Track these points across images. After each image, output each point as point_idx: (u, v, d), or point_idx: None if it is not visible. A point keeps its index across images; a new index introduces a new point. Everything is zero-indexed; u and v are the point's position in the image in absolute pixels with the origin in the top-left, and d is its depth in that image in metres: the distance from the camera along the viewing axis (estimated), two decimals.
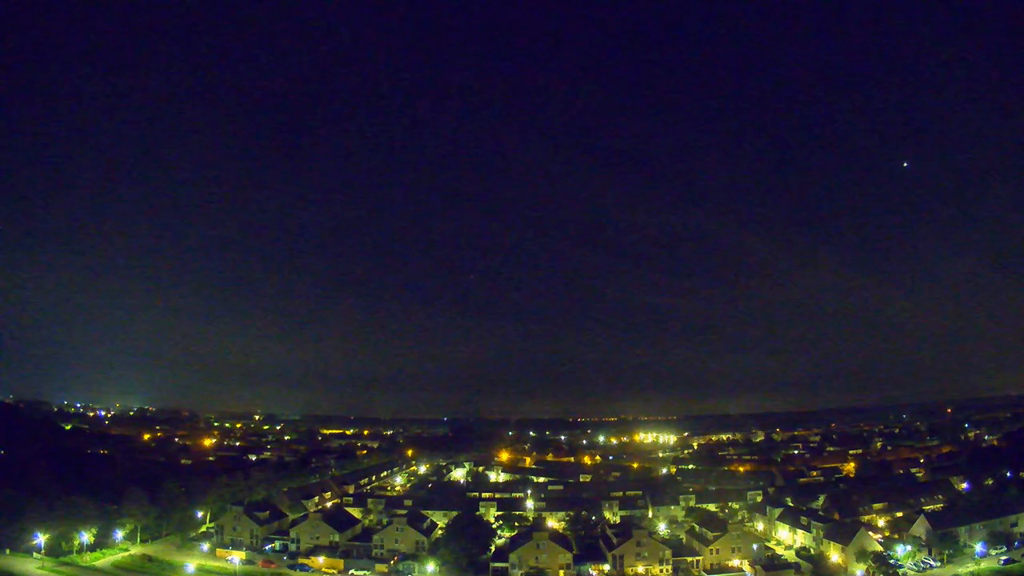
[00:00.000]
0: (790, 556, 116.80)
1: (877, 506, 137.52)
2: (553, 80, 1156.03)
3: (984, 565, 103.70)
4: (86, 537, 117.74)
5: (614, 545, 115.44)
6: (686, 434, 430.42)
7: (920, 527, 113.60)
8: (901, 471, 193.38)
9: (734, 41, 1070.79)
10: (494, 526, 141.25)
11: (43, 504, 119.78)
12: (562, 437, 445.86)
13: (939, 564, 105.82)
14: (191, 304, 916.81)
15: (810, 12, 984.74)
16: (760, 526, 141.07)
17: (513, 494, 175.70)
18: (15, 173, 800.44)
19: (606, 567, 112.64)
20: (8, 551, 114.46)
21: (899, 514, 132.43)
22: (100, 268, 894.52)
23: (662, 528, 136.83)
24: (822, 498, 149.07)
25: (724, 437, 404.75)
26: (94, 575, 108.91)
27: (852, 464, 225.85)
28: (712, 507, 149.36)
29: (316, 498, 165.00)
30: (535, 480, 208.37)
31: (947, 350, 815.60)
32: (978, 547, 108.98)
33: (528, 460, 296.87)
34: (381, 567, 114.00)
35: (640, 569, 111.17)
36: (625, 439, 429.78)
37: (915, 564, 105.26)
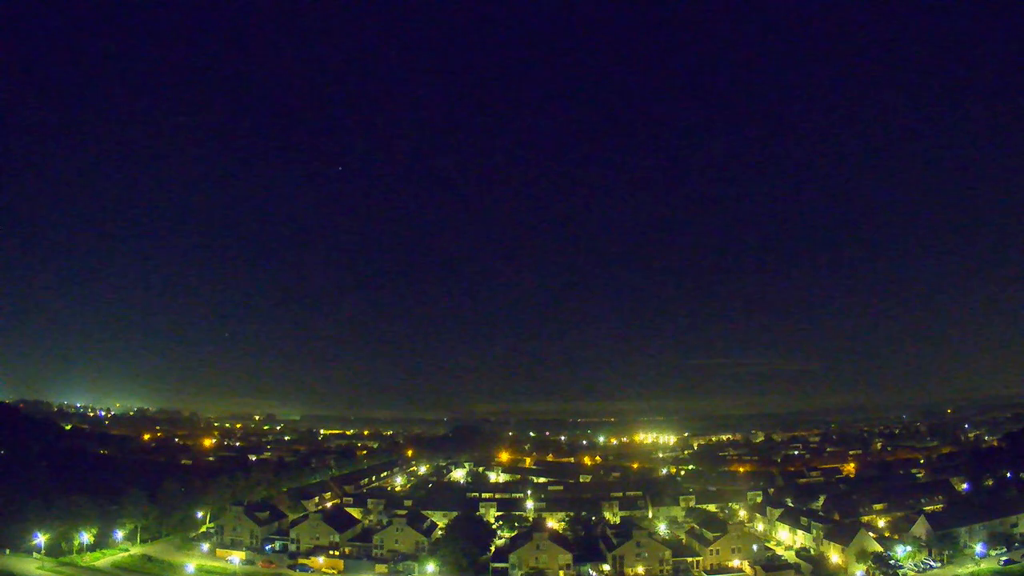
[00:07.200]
0: (790, 557, 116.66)
1: (877, 506, 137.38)
2: (551, 82, 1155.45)
3: (984, 566, 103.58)
4: (86, 537, 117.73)
5: (614, 545, 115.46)
6: (686, 434, 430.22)
7: (920, 528, 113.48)
8: (901, 471, 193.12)
9: (731, 42, 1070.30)
10: (494, 526, 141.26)
11: (43, 504, 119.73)
12: (562, 437, 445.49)
13: (939, 565, 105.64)
14: (191, 305, 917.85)
15: (802, 14, 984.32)
16: (760, 527, 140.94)
17: (513, 494, 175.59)
18: (16, 174, 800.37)
19: (606, 567, 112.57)
20: (8, 551, 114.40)
21: (899, 514, 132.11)
22: (100, 268, 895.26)
23: (662, 529, 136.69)
24: (822, 499, 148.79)
25: (724, 437, 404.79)
26: (94, 575, 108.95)
27: (852, 464, 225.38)
28: (712, 507, 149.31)
29: (316, 498, 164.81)
30: (535, 480, 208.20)
31: (947, 350, 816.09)
32: (978, 548, 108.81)
33: (528, 460, 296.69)
34: (381, 567, 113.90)
35: (640, 569, 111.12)
36: (625, 439, 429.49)
37: (915, 565, 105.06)
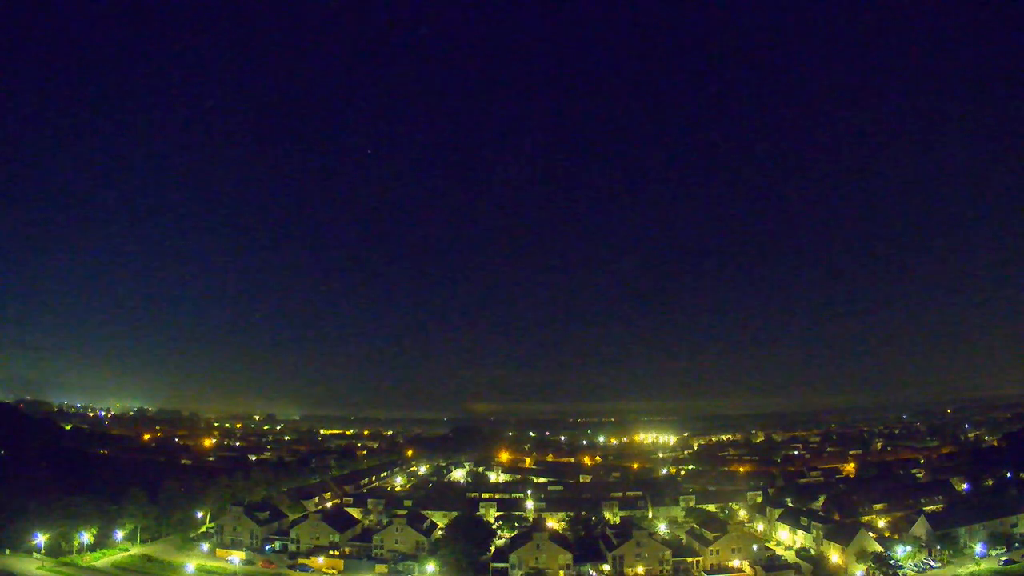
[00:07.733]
0: (790, 557, 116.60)
1: (877, 507, 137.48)
2: (552, 80, 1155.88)
3: (984, 566, 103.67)
4: (86, 537, 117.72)
5: (614, 546, 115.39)
6: (686, 434, 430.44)
7: (920, 528, 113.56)
8: (901, 471, 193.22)
9: (729, 42, 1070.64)
10: (494, 526, 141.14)
11: (43, 504, 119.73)
12: (562, 437, 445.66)
13: (939, 565, 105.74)
14: (191, 305, 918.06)
15: (802, 12, 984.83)
16: (760, 527, 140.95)
17: (513, 494, 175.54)
18: (16, 174, 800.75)
19: (606, 567, 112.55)
20: (8, 551, 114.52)
21: (899, 515, 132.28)
22: (100, 268, 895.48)
23: (662, 529, 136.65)
24: (822, 499, 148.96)
25: (724, 437, 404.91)
26: (94, 575, 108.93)
27: (852, 464, 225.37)
28: (712, 508, 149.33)
29: (316, 498, 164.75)
30: (535, 480, 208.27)
31: (947, 350, 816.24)
32: (978, 548, 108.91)
33: (528, 460, 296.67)
34: (381, 567, 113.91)
35: (640, 570, 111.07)
36: (625, 439, 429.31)
37: (915, 565, 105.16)
